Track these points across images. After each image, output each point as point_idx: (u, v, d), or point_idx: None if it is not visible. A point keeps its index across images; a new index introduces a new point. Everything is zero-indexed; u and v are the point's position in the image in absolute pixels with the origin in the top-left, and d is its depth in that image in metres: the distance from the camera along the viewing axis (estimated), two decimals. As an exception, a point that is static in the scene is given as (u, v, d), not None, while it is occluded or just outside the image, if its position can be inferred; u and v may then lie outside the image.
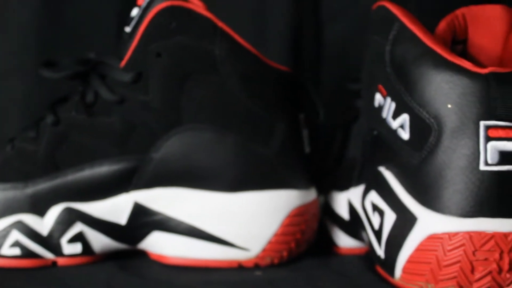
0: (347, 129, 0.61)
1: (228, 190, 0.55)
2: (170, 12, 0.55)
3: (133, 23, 0.56)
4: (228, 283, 0.53)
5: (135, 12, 0.57)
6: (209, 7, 0.80)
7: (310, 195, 0.57)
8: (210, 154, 0.55)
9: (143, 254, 0.57)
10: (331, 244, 0.60)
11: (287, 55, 0.80)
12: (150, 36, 0.55)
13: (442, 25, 0.53)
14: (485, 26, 0.53)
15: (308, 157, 0.59)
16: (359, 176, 0.57)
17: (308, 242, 0.58)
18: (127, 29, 0.57)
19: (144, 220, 0.56)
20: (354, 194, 0.58)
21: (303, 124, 0.58)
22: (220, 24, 0.55)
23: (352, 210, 0.58)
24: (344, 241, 0.60)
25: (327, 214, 0.61)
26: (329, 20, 0.80)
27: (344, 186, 0.59)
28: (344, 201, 0.59)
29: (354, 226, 0.58)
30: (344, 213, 0.59)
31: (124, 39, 0.57)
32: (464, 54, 0.54)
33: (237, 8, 0.80)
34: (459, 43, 0.54)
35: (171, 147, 0.55)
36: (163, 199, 0.55)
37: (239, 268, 0.56)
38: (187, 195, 0.55)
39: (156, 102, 0.55)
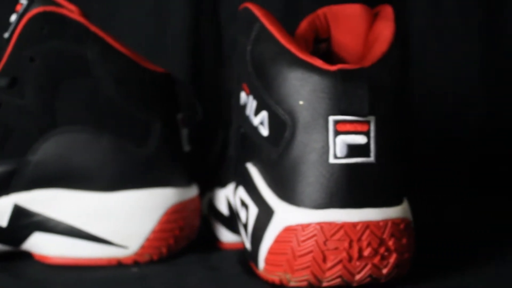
0: (229, 128, 0.63)
1: (105, 189, 0.57)
2: (42, 17, 0.56)
3: (10, 28, 0.58)
4: (101, 280, 0.54)
5: (13, 18, 0.58)
6: (107, 9, 0.82)
7: (189, 192, 0.59)
8: (86, 155, 0.56)
9: (28, 255, 0.59)
10: (214, 239, 0.62)
11: (186, 56, 0.82)
12: (23, 41, 0.56)
13: (303, 25, 0.55)
14: (346, 25, 0.55)
15: (188, 156, 0.60)
16: (234, 173, 0.59)
17: (188, 238, 0.59)
18: (6, 35, 0.58)
19: (24, 222, 0.57)
20: (230, 191, 0.59)
21: (181, 123, 0.60)
22: (93, 28, 0.57)
23: (230, 206, 0.60)
24: (226, 236, 0.62)
25: (212, 210, 0.62)
26: (228, 20, 0.82)
27: (223, 182, 0.61)
28: (223, 197, 0.61)
29: (233, 221, 0.60)
30: (224, 209, 0.61)
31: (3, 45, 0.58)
32: (329, 52, 0.56)
33: (135, 9, 0.82)
34: (322, 41, 0.56)
35: (47, 149, 0.56)
36: (42, 200, 0.57)
37: (119, 265, 0.57)
38: (65, 196, 0.57)
39: (31, 106, 0.56)
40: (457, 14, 0.84)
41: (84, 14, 0.58)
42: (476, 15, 0.84)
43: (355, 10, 0.55)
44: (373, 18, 0.55)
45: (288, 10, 0.82)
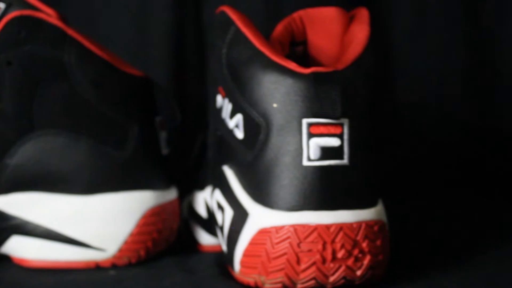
0: (207, 130, 0.63)
1: (83, 192, 0.57)
2: (19, 21, 0.56)
3: (-12, 33, 0.58)
4: (79, 282, 0.54)
5: (-9, 22, 0.58)
6: (90, 12, 0.82)
7: (167, 195, 0.59)
8: (64, 158, 0.56)
9: (7, 258, 0.59)
10: (194, 242, 0.62)
11: (168, 59, 0.82)
12: (0, 45, 0.56)
13: (279, 28, 0.55)
14: (322, 27, 0.55)
15: (167, 159, 0.60)
16: (212, 175, 0.59)
17: (167, 241, 0.60)
18: (-16, 40, 0.58)
19: (2, 225, 0.57)
20: (208, 193, 0.60)
21: (159, 126, 0.60)
22: (70, 32, 0.57)
23: (208, 208, 0.60)
24: (206, 239, 0.62)
25: (191, 213, 0.63)
26: (211, 25, 0.82)
27: (202, 185, 0.61)
28: (202, 200, 0.61)
29: (211, 224, 0.60)
30: (203, 212, 0.61)
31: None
32: (305, 55, 0.56)
33: (118, 13, 0.82)
34: (299, 44, 0.56)
35: (25, 152, 0.56)
36: (20, 204, 0.57)
37: (97, 268, 0.57)
38: (43, 199, 0.57)
39: (8, 110, 0.56)
40: (441, 17, 0.85)
41: (63, 17, 0.58)
42: (460, 17, 0.85)
43: (331, 13, 0.55)
44: (349, 20, 0.55)
45: (269, 13, 0.82)
